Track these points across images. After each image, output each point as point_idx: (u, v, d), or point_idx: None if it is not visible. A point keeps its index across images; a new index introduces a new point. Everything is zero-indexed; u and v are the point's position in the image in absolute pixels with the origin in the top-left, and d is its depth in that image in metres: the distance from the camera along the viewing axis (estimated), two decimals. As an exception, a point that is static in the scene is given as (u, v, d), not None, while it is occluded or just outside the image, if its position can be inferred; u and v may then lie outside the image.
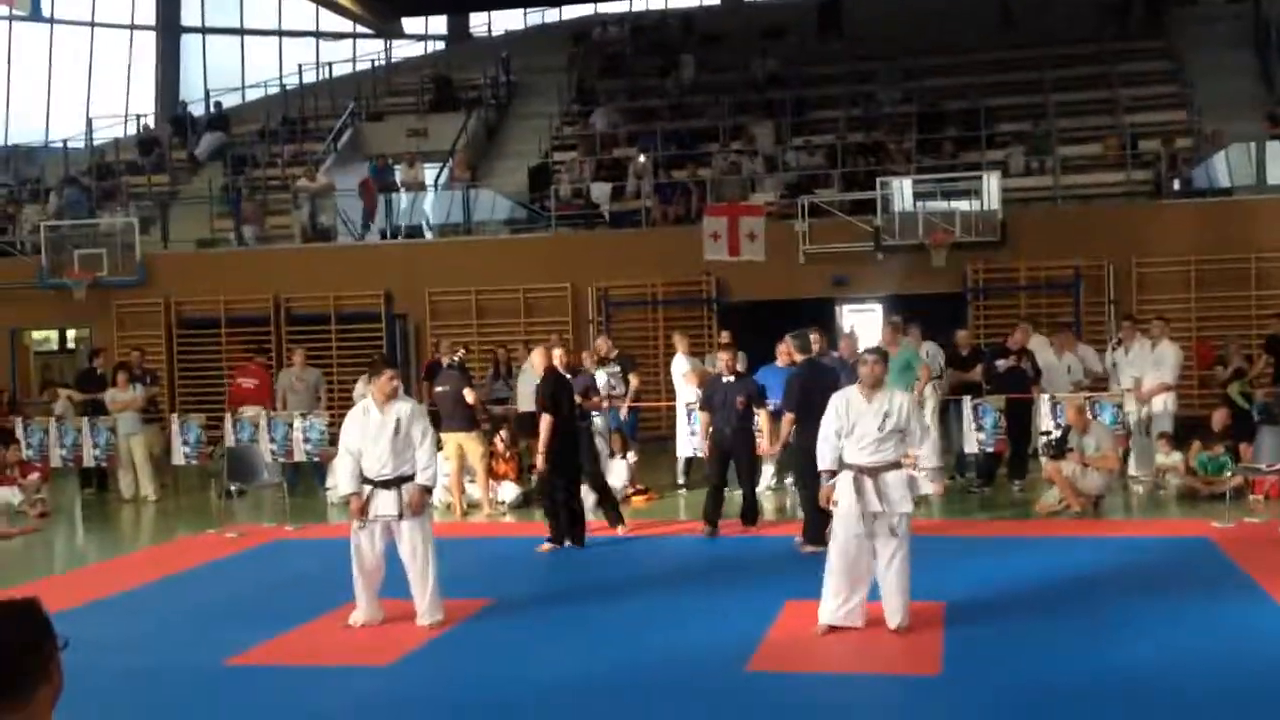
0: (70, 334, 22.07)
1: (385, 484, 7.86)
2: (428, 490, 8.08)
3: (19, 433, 14.78)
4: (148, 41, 33.25)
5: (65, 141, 25.91)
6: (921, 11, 25.94)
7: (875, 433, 7.35)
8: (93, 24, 32.49)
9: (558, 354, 11.03)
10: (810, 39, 25.85)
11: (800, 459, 9.83)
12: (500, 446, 13.27)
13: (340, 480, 8.25)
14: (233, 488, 13.65)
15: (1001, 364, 13.10)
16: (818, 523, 9.39)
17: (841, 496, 7.39)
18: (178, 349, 19.92)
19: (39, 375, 21.22)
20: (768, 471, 13.31)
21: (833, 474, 7.51)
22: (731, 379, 11.34)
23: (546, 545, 10.61)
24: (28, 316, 20.78)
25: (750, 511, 11.31)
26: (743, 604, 8.32)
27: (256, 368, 16.11)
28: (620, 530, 11.18)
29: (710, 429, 11.51)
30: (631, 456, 13.45)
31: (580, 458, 11.02)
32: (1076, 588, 8.52)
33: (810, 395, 9.32)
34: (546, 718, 6.09)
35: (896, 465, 7.39)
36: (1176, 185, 18.81)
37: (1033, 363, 13.13)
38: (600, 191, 20.57)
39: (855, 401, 7.49)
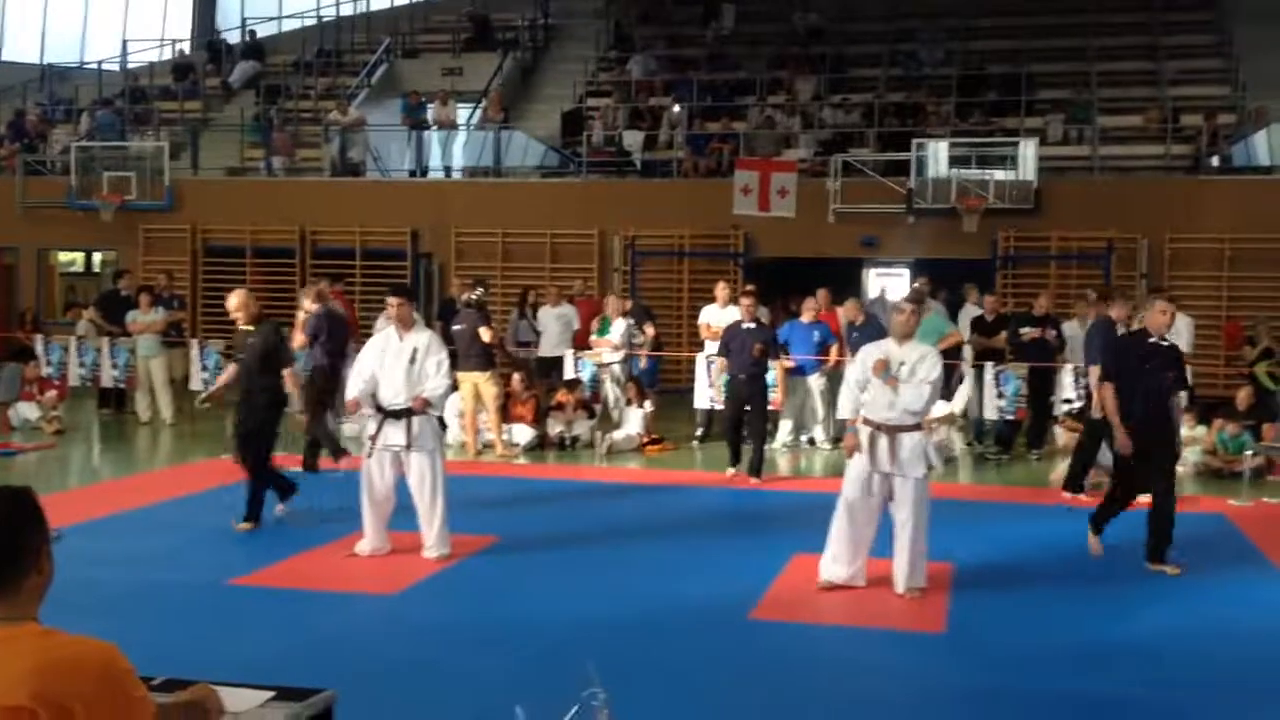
0: (96, 257, 22.12)
1: (396, 414, 7.85)
2: (429, 403, 7.98)
3: (40, 350, 14.84)
4: (187, -33, 33.06)
5: (100, 64, 25.87)
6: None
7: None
8: (133, -53, 32.30)
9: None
10: (853, -6, 25.47)
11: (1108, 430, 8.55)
12: (517, 388, 13.22)
13: (349, 387, 8.24)
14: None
15: (1025, 332, 12.95)
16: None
17: (858, 452, 7.30)
18: (203, 276, 19.93)
19: (64, 297, 21.29)
20: (785, 427, 13.26)
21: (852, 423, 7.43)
22: (751, 326, 11.58)
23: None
24: (55, 236, 20.80)
25: (757, 463, 11.34)
26: (750, 555, 8.29)
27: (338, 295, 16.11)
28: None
29: (725, 374, 11.79)
30: (648, 405, 13.39)
31: None
32: (1087, 557, 8.44)
33: (1120, 357, 8.27)
34: (546, 652, 6.07)
35: (916, 427, 7.28)
36: (1215, 161, 18.51)
37: (1058, 331, 12.98)
38: (633, 139, 20.41)
39: (887, 351, 7.35)
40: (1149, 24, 22.44)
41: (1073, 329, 13.27)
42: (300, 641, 6.22)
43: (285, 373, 9.01)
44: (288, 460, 10.61)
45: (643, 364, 14.16)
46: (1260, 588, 7.63)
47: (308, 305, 12.02)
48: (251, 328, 9.03)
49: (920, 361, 7.28)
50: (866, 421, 7.29)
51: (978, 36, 22.97)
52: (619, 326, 14.08)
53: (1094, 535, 8.39)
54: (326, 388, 11.56)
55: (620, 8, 26.16)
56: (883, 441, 7.20)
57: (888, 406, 7.23)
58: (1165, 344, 7.94)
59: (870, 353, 7.43)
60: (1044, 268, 17.45)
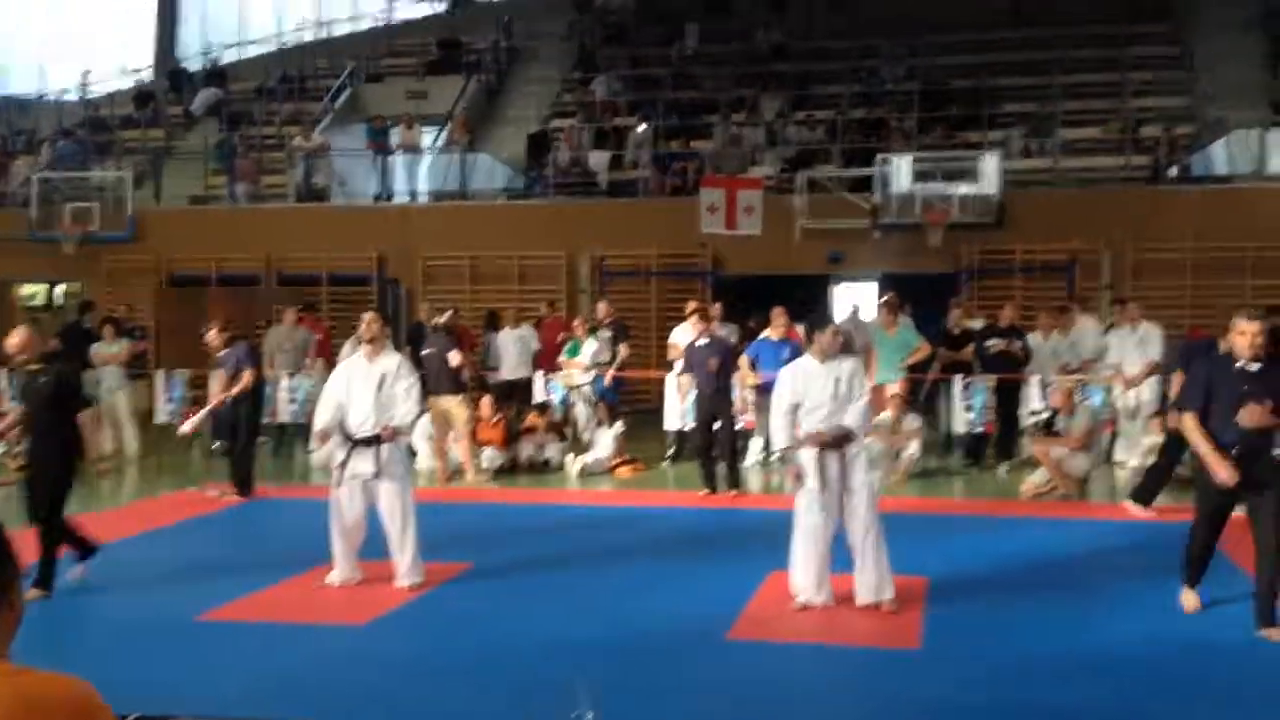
0: (59, 289, 21.93)
1: (365, 441, 7.79)
2: (399, 431, 7.92)
3: (3, 384, 14.66)
4: (147, -5, 32.91)
5: (60, 94, 25.71)
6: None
7: (829, 401, 7.22)
8: (92, -24, 32.13)
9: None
10: (816, 11, 25.64)
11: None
12: (486, 411, 13.17)
13: (318, 417, 8.16)
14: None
15: (992, 344, 13.03)
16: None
17: (806, 475, 7.28)
18: (167, 306, 19.79)
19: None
20: (755, 445, 13.25)
21: (791, 450, 7.40)
22: (705, 342, 11.70)
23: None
24: (17, 269, 20.64)
25: (732, 475, 11.49)
26: (726, 574, 8.26)
27: (313, 323, 16.10)
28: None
29: (691, 392, 11.99)
30: (619, 426, 13.36)
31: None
32: (1060, 567, 8.49)
33: (1213, 383, 6.91)
34: (523, 679, 6.01)
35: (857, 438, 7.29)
36: (1174, 172, 18.71)
37: (1023, 343, 13.07)
38: (598, 160, 20.44)
39: (809, 369, 7.36)
40: (1111, 36, 22.66)
41: (1038, 341, 13.39)
42: (273, 675, 6.15)
43: (81, 418, 7.80)
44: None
45: (607, 381, 14.13)
46: (1231, 595, 7.63)
47: (217, 341, 11.77)
48: (39, 366, 7.92)
49: (854, 378, 7.32)
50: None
51: (939, 52, 23.14)
52: (589, 347, 14.08)
53: (1190, 591, 7.31)
54: (254, 415, 11.65)
55: (584, 29, 26.23)
56: (831, 459, 7.21)
57: (825, 421, 7.22)
58: (1255, 369, 6.72)
59: (794, 377, 7.39)
60: (1009, 280, 17.56)
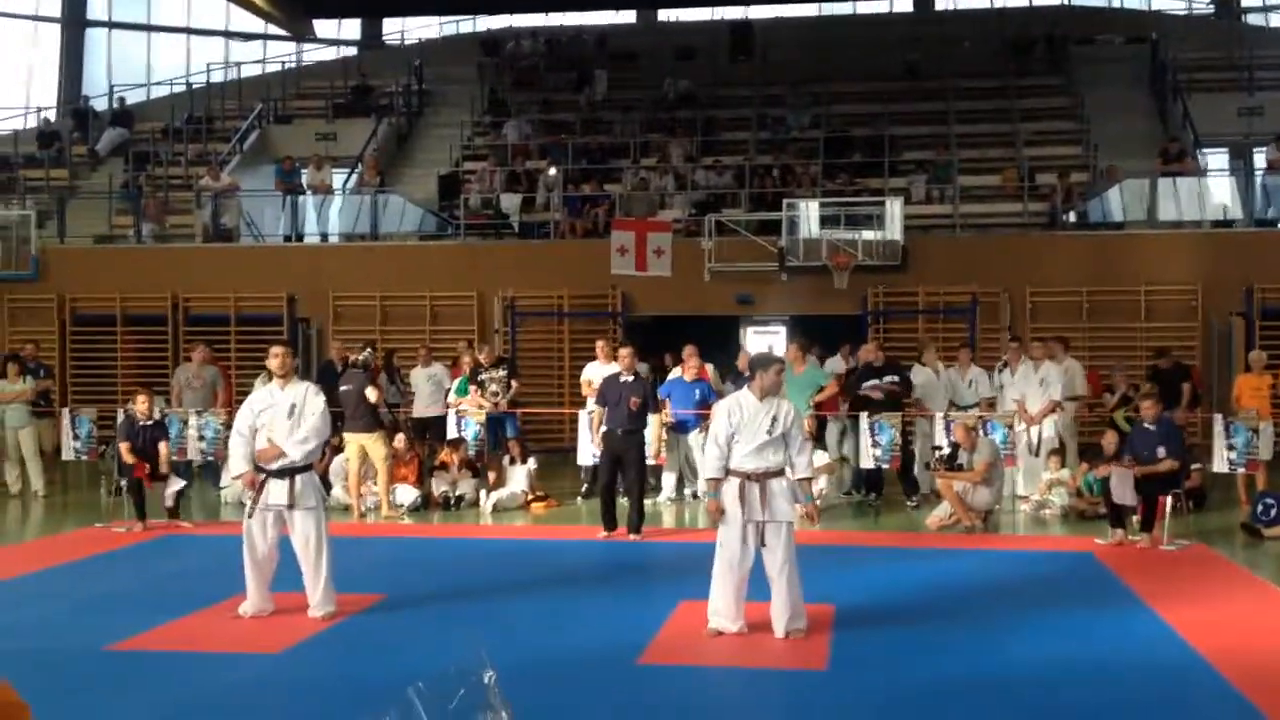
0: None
1: (279, 473, 7.80)
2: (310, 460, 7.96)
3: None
4: (52, 34, 32.55)
5: (-39, 132, 25.26)
6: (831, 39, 26.48)
7: (764, 436, 7.37)
8: (-5, 14, 31.72)
9: None
10: (722, 61, 26.16)
11: None
12: (400, 448, 13.16)
13: (233, 462, 8.14)
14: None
15: (863, 386, 13.33)
16: None
17: (728, 505, 7.43)
18: (71, 346, 19.48)
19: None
20: (669, 481, 13.39)
21: (719, 483, 7.47)
22: (629, 379, 11.42)
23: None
24: (-85, 308, 20.15)
25: (637, 519, 11.20)
26: (637, 604, 8.38)
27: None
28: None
29: (602, 427, 11.45)
30: (532, 463, 13.44)
31: None
32: (963, 596, 8.71)
33: None
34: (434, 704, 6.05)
35: (781, 473, 7.43)
36: (1071, 218, 19.35)
37: (902, 379, 13.34)
38: (510, 202, 20.59)
39: (746, 404, 7.52)
40: (1004, 89, 23.46)
41: (927, 378, 13.73)
42: (186, 700, 6.12)
43: None
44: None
45: (499, 404, 14.09)
46: (1128, 622, 7.91)
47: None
48: None
49: (791, 420, 7.45)
50: (734, 473, 7.42)
51: (842, 101, 23.74)
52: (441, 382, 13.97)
53: None
54: None
55: (494, 74, 26.46)
56: (753, 490, 7.37)
57: (756, 455, 7.38)
58: None
59: (732, 404, 7.57)
60: (912, 322, 17.99)
